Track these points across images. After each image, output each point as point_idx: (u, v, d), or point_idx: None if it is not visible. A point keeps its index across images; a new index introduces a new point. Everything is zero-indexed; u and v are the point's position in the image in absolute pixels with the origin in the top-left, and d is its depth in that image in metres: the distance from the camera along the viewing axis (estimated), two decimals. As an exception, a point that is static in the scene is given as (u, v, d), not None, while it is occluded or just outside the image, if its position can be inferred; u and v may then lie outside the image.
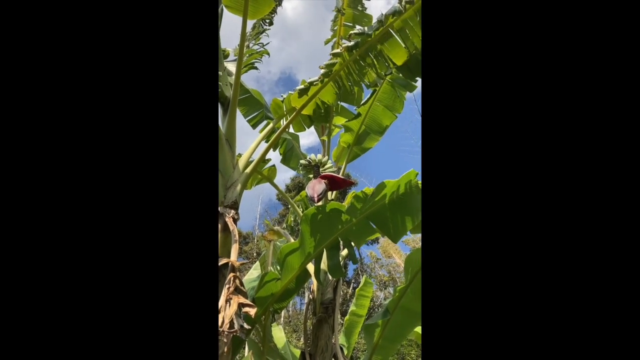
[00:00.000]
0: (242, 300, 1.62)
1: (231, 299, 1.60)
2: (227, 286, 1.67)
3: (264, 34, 3.81)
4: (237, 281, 1.71)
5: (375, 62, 2.62)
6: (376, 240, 15.33)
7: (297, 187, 14.20)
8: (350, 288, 13.18)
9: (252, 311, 1.60)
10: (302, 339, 10.92)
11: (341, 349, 3.07)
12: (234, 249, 1.93)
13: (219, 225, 2.38)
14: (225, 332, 1.48)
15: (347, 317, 4.71)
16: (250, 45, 3.77)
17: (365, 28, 2.42)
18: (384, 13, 2.34)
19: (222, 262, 1.88)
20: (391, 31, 2.46)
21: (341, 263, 3.28)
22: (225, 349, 1.47)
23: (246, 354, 2.77)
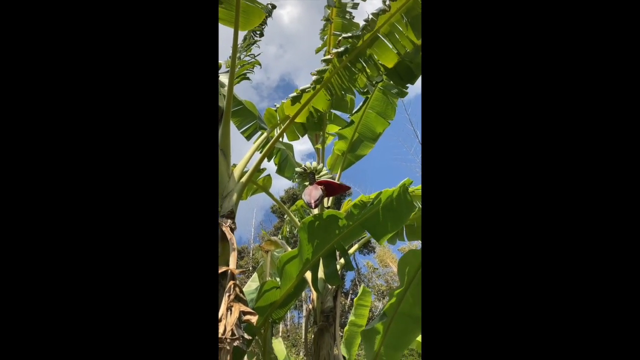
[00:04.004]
0: (243, 308, 1.59)
1: (232, 306, 1.57)
2: (227, 294, 1.63)
3: (255, 45, 3.85)
4: (237, 289, 1.67)
5: (366, 67, 2.66)
6: (373, 250, 15.27)
7: (291, 198, 14.16)
8: (349, 299, 13.03)
9: (254, 319, 1.57)
10: (301, 353, 10.70)
11: (344, 358, 3.01)
12: (233, 257, 1.90)
13: (216, 235, 2.35)
14: (228, 340, 1.44)
15: (346, 327, 4.63)
16: (242, 56, 3.81)
17: (354, 30, 2.46)
18: (370, 15, 2.40)
19: (220, 270, 1.84)
20: (379, 35, 2.51)
21: (338, 271, 3.26)
22: (228, 358, 1.42)
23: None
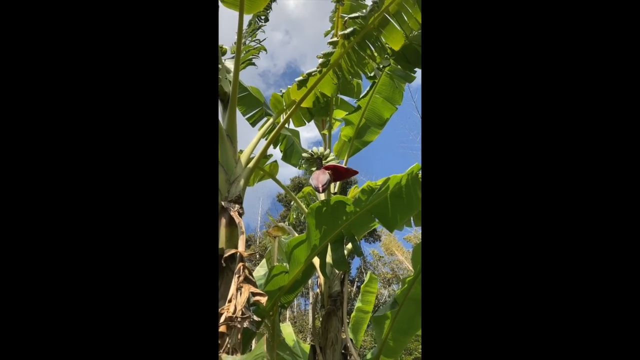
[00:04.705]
0: (253, 289, 1.60)
1: (242, 287, 1.58)
2: (237, 275, 1.64)
3: (259, 30, 3.80)
4: (246, 271, 1.69)
5: (373, 49, 2.61)
6: (378, 238, 15.32)
7: (297, 187, 14.19)
8: (354, 286, 13.15)
9: (263, 299, 1.58)
10: (308, 339, 10.88)
11: (351, 341, 3.05)
12: (241, 240, 1.91)
13: (224, 220, 2.36)
14: (239, 319, 1.46)
15: (353, 313, 4.67)
16: (247, 42, 3.76)
17: (362, 11, 2.41)
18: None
19: (230, 252, 1.86)
20: (387, 16, 2.45)
21: (346, 257, 3.27)
22: (239, 336, 1.44)
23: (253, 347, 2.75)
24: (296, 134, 4.38)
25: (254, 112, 4.19)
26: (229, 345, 1.42)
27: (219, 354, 1.37)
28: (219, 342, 1.42)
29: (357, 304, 4.70)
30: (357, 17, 2.38)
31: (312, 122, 3.99)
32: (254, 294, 1.59)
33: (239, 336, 1.47)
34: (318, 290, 3.29)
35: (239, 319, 1.46)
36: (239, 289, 1.58)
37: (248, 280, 1.64)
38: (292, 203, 4.35)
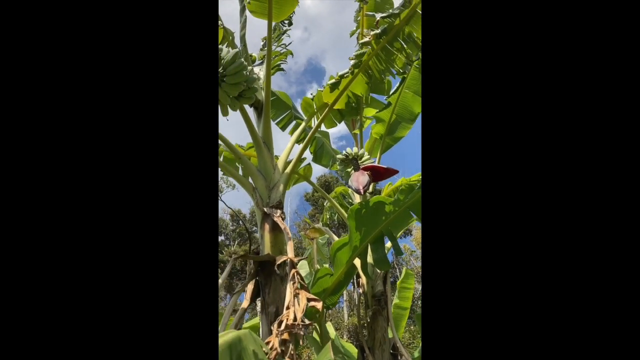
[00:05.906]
0: (309, 295, 1.63)
1: (299, 294, 1.61)
2: (291, 282, 1.68)
3: (285, 34, 3.83)
4: (299, 276, 1.72)
5: (405, 46, 2.57)
6: (409, 233, 15.12)
7: (323, 186, 14.24)
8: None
9: (319, 305, 1.61)
10: (345, 336, 10.91)
11: (399, 341, 3.04)
12: (290, 245, 1.94)
13: (267, 226, 2.41)
14: (300, 326, 1.50)
15: (391, 310, 4.65)
16: (273, 47, 3.81)
17: (391, 10, 2.38)
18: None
19: (281, 259, 1.90)
20: (418, 11, 2.41)
21: (387, 256, 3.26)
22: (300, 342, 1.48)
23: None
24: (326, 135, 4.39)
25: (282, 116, 4.25)
26: (292, 352, 1.46)
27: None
28: (282, 349, 1.47)
29: (394, 300, 4.67)
30: (388, 16, 2.36)
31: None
32: (309, 300, 1.62)
33: (301, 341, 1.51)
34: (360, 290, 3.30)
35: (300, 326, 1.50)
36: (296, 295, 1.61)
37: (302, 286, 1.67)
38: (326, 203, 4.36)
